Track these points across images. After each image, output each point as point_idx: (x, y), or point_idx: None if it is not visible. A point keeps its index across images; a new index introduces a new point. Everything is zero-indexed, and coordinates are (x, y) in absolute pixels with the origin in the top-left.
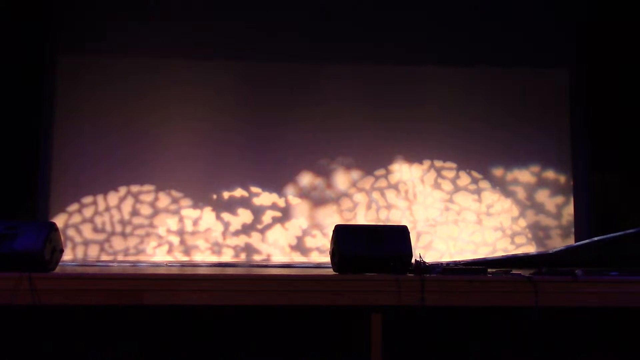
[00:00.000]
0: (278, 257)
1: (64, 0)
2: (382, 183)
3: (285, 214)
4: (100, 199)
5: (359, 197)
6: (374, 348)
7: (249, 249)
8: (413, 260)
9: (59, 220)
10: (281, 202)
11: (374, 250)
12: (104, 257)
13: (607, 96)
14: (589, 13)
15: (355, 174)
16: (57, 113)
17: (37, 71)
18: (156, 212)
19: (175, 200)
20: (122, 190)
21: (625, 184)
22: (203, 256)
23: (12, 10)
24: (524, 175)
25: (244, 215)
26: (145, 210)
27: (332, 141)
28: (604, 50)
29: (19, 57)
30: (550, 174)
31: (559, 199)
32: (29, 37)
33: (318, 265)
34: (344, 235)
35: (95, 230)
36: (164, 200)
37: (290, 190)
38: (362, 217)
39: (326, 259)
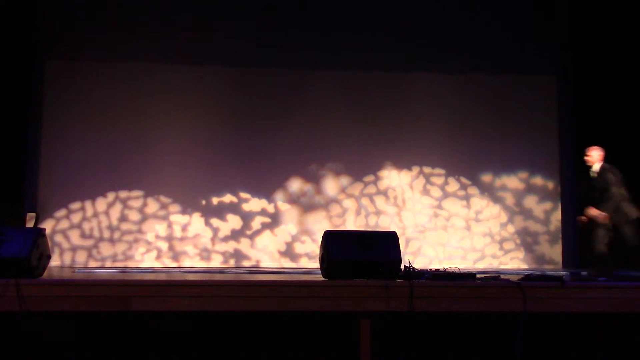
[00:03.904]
0: (267, 263)
1: (53, 6)
2: (371, 189)
3: (274, 220)
4: (88, 204)
5: (348, 203)
6: (363, 354)
7: (238, 254)
8: (402, 266)
9: (46, 226)
10: (270, 208)
11: (363, 256)
12: (92, 263)
13: (594, 103)
14: (576, 22)
15: (344, 180)
16: (44, 119)
17: (25, 76)
18: (145, 217)
19: (163, 206)
20: (110, 196)
21: None
22: (192, 262)
23: (1, 15)
24: (513, 182)
25: (233, 221)
26: (134, 216)
27: (322, 147)
28: (591, 59)
29: (6, 63)
30: (538, 180)
31: (547, 205)
32: (17, 42)
33: (307, 271)
34: (333, 241)
35: (83, 236)
36: (152, 206)
37: (279, 196)
38: (352, 223)
39: (315, 264)
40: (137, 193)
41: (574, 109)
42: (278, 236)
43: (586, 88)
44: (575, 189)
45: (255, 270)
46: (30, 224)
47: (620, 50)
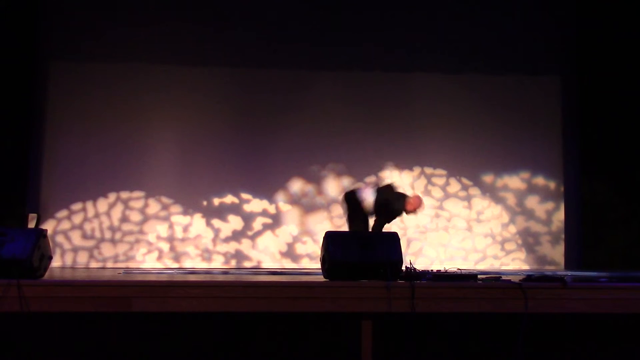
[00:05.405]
0: (268, 264)
1: (57, 7)
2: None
3: (275, 221)
4: (89, 205)
5: None
6: (364, 354)
7: (239, 255)
8: (403, 267)
9: (48, 227)
10: (272, 209)
11: (365, 256)
12: (93, 264)
13: (597, 104)
14: (581, 22)
15: (345, 181)
16: (47, 120)
17: (28, 77)
18: (146, 218)
19: (165, 207)
20: (112, 196)
21: (615, 190)
22: (193, 263)
23: (4, 15)
24: (514, 182)
25: (235, 222)
26: (135, 216)
27: (323, 148)
28: (595, 59)
29: (10, 64)
30: (540, 180)
31: (549, 205)
32: (20, 43)
33: (308, 272)
34: (334, 242)
35: (85, 236)
36: (153, 207)
37: (280, 197)
38: None
39: (317, 265)
40: (138, 194)
41: (578, 110)
42: (279, 237)
43: (590, 88)
44: (579, 190)
45: (256, 271)
46: (31, 225)
47: (625, 51)
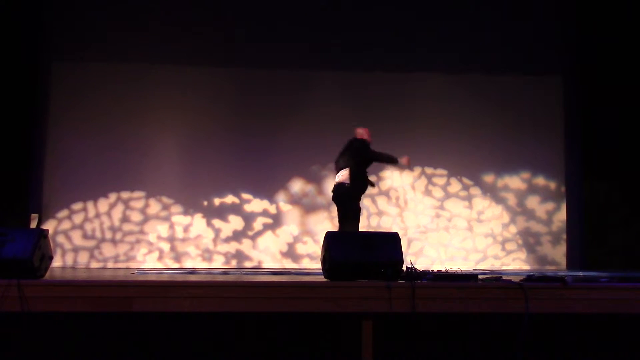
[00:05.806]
0: (269, 264)
1: (60, 8)
2: (373, 190)
3: (276, 221)
4: (90, 205)
5: None
6: (364, 354)
7: (239, 255)
8: (404, 267)
9: (49, 227)
10: (272, 209)
11: (365, 257)
12: (94, 264)
13: (598, 104)
14: (582, 21)
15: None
16: (49, 121)
17: (31, 78)
18: (146, 218)
19: (165, 207)
20: (112, 196)
21: (616, 190)
22: (194, 263)
23: (7, 17)
24: (515, 182)
25: (235, 222)
26: (136, 216)
27: (323, 148)
28: (595, 59)
29: (13, 65)
30: (540, 180)
31: (550, 205)
32: (24, 44)
33: (309, 272)
34: (335, 242)
35: (85, 236)
36: (154, 207)
37: (281, 197)
38: None
39: (317, 265)
40: (139, 194)
41: (579, 110)
42: (280, 237)
43: (591, 88)
44: (580, 190)
45: (257, 271)
46: (33, 225)
47: (626, 51)
